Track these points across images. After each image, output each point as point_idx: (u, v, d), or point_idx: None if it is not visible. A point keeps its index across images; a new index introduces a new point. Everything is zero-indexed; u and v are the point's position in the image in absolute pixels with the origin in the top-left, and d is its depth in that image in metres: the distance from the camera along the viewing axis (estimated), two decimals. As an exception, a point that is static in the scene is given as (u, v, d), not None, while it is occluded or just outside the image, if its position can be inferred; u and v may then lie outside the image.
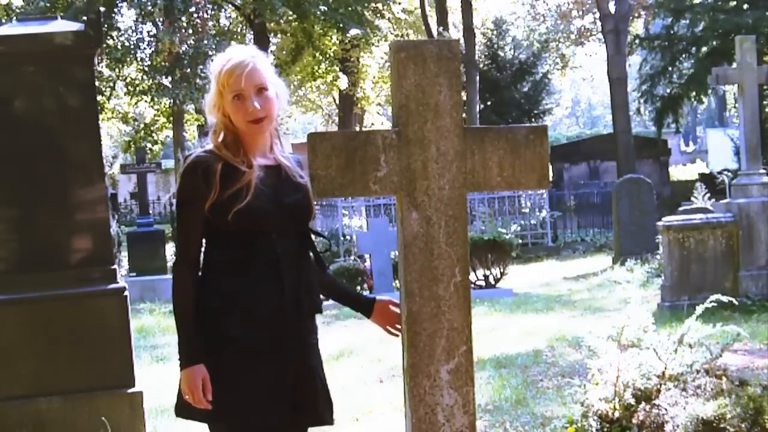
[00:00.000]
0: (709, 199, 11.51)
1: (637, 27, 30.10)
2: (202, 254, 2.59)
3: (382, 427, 5.11)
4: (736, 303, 5.38)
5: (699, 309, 4.37)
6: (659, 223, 9.38)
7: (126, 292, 4.61)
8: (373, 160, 2.39)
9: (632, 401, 4.09)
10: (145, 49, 19.99)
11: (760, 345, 6.88)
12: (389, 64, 2.63)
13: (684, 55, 22.36)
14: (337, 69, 23.07)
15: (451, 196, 2.43)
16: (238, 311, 2.49)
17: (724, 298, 4.49)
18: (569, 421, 4.41)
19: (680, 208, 10.36)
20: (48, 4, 17.25)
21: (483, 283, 12.26)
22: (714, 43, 20.58)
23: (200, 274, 2.57)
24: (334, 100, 32.26)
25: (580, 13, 33.31)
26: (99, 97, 12.94)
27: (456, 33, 26.14)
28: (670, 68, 22.40)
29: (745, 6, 20.26)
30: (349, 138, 2.43)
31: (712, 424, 3.85)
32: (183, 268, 2.55)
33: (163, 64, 18.19)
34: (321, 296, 2.72)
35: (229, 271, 2.52)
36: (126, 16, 21.06)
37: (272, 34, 22.51)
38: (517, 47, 28.94)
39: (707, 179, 18.95)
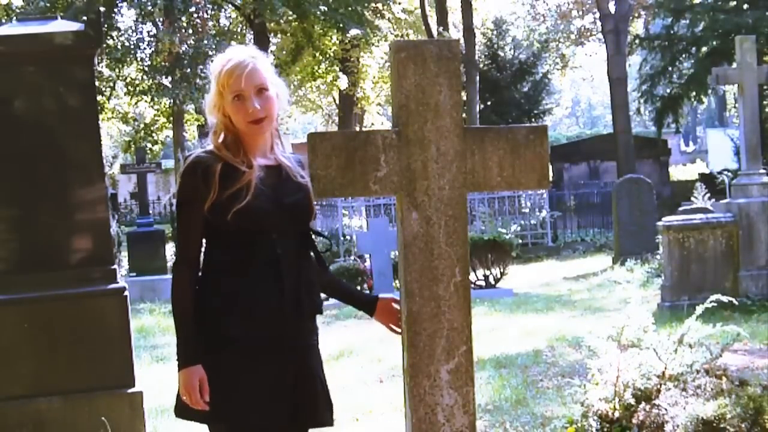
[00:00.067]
0: (709, 199, 11.52)
1: (637, 27, 30.10)
2: (202, 254, 2.59)
3: (382, 427, 5.11)
4: (736, 303, 5.38)
5: (699, 309, 4.37)
6: (659, 223, 9.38)
7: (126, 292, 4.60)
8: (373, 160, 2.39)
9: (632, 401, 4.09)
10: (145, 49, 19.99)
11: (760, 345, 6.89)
12: (389, 64, 2.62)
13: (684, 55, 22.37)
14: (337, 69, 23.08)
15: (451, 196, 2.43)
16: (237, 311, 2.49)
17: (724, 298, 4.49)
18: (569, 421, 4.41)
19: (680, 208, 10.37)
20: (48, 4, 17.25)
21: (483, 283, 12.26)
22: (714, 43, 20.58)
23: (200, 274, 2.57)
24: (334, 100, 32.27)
25: (580, 13, 33.31)
26: (99, 97, 12.95)
27: (456, 33, 26.14)
28: (670, 68, 22.40)
29: (745, 6, 20.26)
30: (349, 138, 2.43)
31: (712, 424, 3.85)
32: (182, 269, 2.55)
33: (163, 64, 18.19)
34: (323, 296, 2.72)
35: (229, 271, 2.52)
36: (126, 16, 21.09)
37: (272, 34, 22.50)
38: (517, 47, 28.94)
39: (707, 179, 18.96)
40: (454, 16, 27.72)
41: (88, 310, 4.52)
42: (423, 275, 2.42)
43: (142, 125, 23.95)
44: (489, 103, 26.47)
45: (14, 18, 14.32)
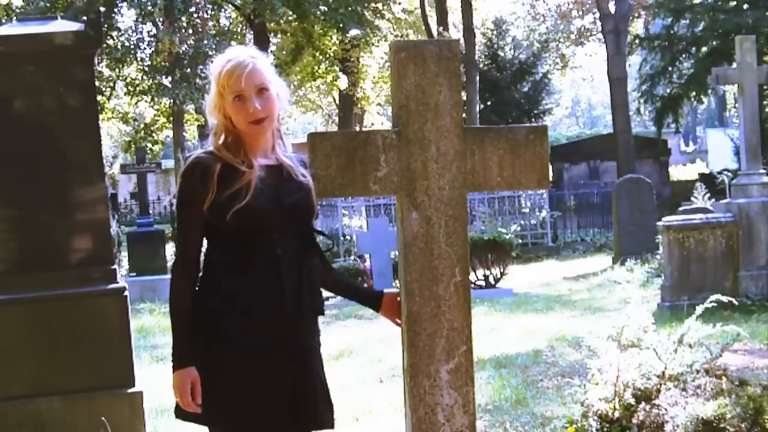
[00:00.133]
0: (709, 199, 11.53)
1: (637, 27, 30.11)
2: (203, 254, 2.58)
3: (382, 427, 5.11)
4: (736, 303, 5.38)
5: (699, 309, 4.37)
6: (659, 223, 9.38)
7: (126, 292, 4.60)
8: (373, 160, 2.39)
9: (632, 401, 4.09)
10: (145, 49, 20.00)
11: (760, 345, 6.89)
12: (389, 64, 2.62)
13: (684, 55, 22.38)
14: (337, 69, 23.08)
15: (451, 196, 2.43)
16: (237, 311, 2.48)
17: (724, 298, 4.49)
18: (569, 421, 4.41)
19: (680, 208, 10.37)
20: (48, 4, 17.25)
21: (483, 283, 12.26)
22: (714, 43, 20.59)
23: (201, 274, 2.57)
24: (334, 100, 32.27)
25: (580, 13, 33.31)
26: (99, 97, 12.94)
27: (456, 33, 26.14)
28: (670, 68, 22.41)
29: (745, 6, 20.27)
30: (349, 138, 2.43)
31: (712, 424, 3.85)
32: (181, 269, 2.55)
33: (163, 64, 18.20)
34: (326, 295, 2.71)
35: (229, 271, 2.51)
36: (126, 16, 21.09)
37: (272, 34, 22.51)
38: (517, 47, 28.94)
39: (707, 179, 18.97)
40: (454, 16, 27.72)
41: (88, 310, 4.52)
42: (423, 275, 2.42)
43: (142, 125, 23.95)
44: (489, 103, 26.47)
45: (14, 18, 14.32)
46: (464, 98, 20.59)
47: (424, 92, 2.41)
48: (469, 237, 2.67)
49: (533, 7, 34.15)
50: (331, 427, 2.63)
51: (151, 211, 19.41)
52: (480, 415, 5.08)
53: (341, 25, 19.56)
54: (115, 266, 4.74)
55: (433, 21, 24.93)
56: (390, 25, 26.24)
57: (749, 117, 9.22)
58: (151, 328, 9.29)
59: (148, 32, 20.00)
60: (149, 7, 17.73)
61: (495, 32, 28.18)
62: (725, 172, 15.56)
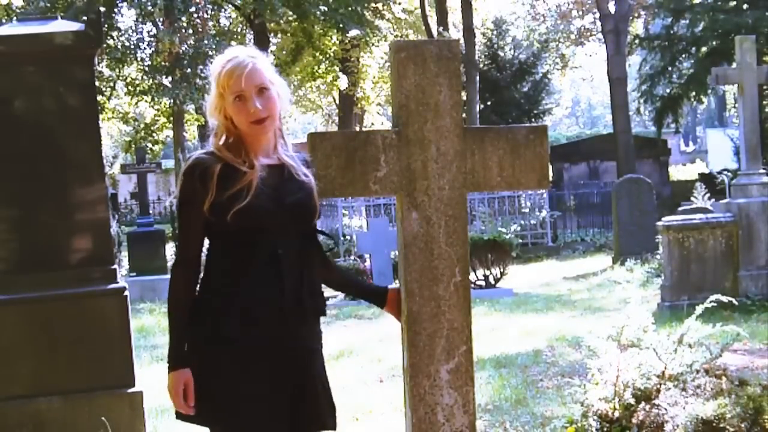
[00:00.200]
0: (709, 199, 11.54)
1: (637, 27, 30.10)
2: (204, 254, 2.58)
3: (382, 427, 5.11)
4: (736, 303, 5.38)
5: (699, 309, 4.37)
6: (659, 223, 9.38)
7: (126, 292, 4.60)
8: (373, 160, 2.40)
9: (632, 401, 4.09)
10: (145, 49, 20.01)
11: (759, 345, 6.89)
12: (389, 64, 2.63)
13: (684, 55, 22.39)
14: (337, 69, 23.08)
15: (451, 196, 2.43)
16: (237, 311, 2.48)
17: (724, 298, 4.49)
18: (569, 420, 4.42)
19: (680, 208, 10.38)
20: (48, 4, 17.25)
21: (483, 283, 12.27)
22: (714, 43, 20.59)
23: (202, 274, 2.56)
24: (334, 100, 32.26)
25: (580, 13, 33.31)
26: (99, 97, 12.92)
27: (456, 33, 26.14)
28: (670, 68, 22.41)
29: (745, 6, 20.27)
30: (349, 138, 2.43)
31: (711, 424, 3.85)
32: (180, 270, 2.55)
33: (163, 64, 18.20)
34: (327, 295, 2.71)
35: (229, 271, 2.51)
36: (126, 16, 21.09)
37: (272, 34, 22.51)
38: (517, 47, 28.94)
39: (707, 179, 18.98)
40: (454, 16, 27.72)
41: (88, 310, 4.52)
42: (423, 275, 2.42)
43: (142, 125, 23.95)
44: (489, 103, 26.47)
45: (14, 18, 14.31)
46: (464, 98, 20.59)
47: (424, 92, 2.41)
48: (469, 237, 2.67)
49: (533, 7, 34.15)
50: (333, 428, 2.62)
51: (151, 211, 19.41)
52: (480, 415, 5.08)
53: (341, 25, 19.56)
54: (115, 266, 4.74)
55: (433, 21, 24.93)
56: (390, 25, 26.24)
57: (749, 117, 9.22)
58: (151, 328, 9.28)
59: (148, 32, 20.01)
60: (149, 7, 17.73)
61: (495, 32, 28.18)
62: (725, 172, 15.58)
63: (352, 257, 13.06)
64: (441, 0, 24.81)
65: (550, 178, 7.87)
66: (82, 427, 4.38)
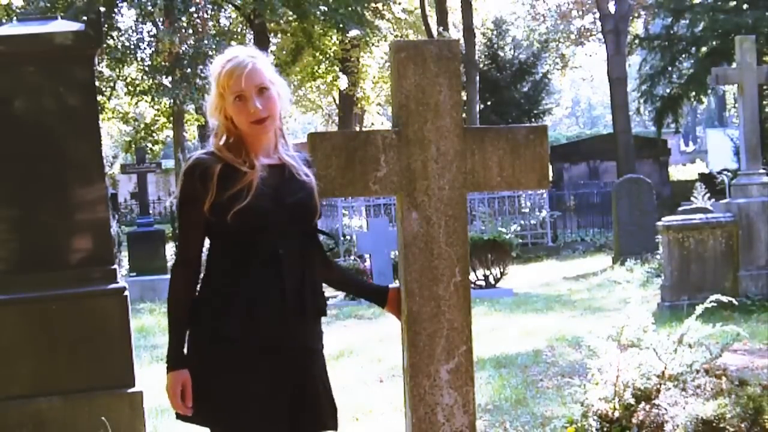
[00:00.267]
0: (709, 199, 11.54)
1: (637, 27, 30.10)
2: (204, 255, 2.58)
3: (382, 427, 5.11)
4: (736, 303, 5.38)
5: (699, 309, 4.37)
6: (659, 223, 9.39)
7: (126, 292, 4.60)
8: (373, 160, 2.40)
9: (632, 401, 4.09)
10: (145, 49, 20.00)
11: (759, 345, 6.89)
12: (389, 64, 2.63)
13: (684, 55, 22.39)
14: (337, 69, 23.08)
15: (451, 196, 2.43)
16: (237, 311, 2.47)
17: (724, 298, 4.49)
18: (569, 420, 4.42)
19: (680, 208, 10.38)
20: (48, 4, 17.25)
21: (483, 283, 12.27)
22: (714, 43, 20.59)
23: (203, 274, 2.56)
24: (334, 100, 32.26)
25: (580, 13, 33.32)
26: (99, 97, 12.93)
27: (456, 33, 26.14)
28: (670, 68, 22.42)
29: (745, 6, 20.27)
30: (349, 138, 2.43)
31: (711, 424, 3.85)
32: (180, 270, 2.55)
33: (163, 64, 18.19)
34: (327, 295, 2.71)
35: (230, 271, 2.51)
36: (126, 16, 21.09)
37: (272, 34, 22.51)
38: (517, 47, 28.94)
39: (707, 179, 18.98)
40: (454, 16, 27.72)
41: (88, 310, 4.52)
42: (423, 275, 2.42)
43: (142, 125, 23.94)
44: (489, 103, 26.47)
45: (14, 18, 14.31)
46: (464, 98, 20.59)
47: (424, 92, 2.41)
48: (469, 237, 2.67)
49: (533, 7, 34.15)
50: (335, 428, 2.61)
51: (151, 211, 19.42)
52: (480, 415, 5.08)
53: (341, 25, 19.56)
54: (115, 266, 4.74)
55: (433, 21, 24.93)
56: (390, 25, 26.24)
57: (749, 117, 9.22)
58: (151, 328, 9.28)
59: (148, 32, 20.01)
60: (149, 7, 17.73)
61: (495, 32, 28.17)
62: (725, 172, 15.57)
63: (352, 257, 13.06)
64: (441, 0, 24.81)
65: (550, 178, 7.89)
66: (82, 427, 4.38)
